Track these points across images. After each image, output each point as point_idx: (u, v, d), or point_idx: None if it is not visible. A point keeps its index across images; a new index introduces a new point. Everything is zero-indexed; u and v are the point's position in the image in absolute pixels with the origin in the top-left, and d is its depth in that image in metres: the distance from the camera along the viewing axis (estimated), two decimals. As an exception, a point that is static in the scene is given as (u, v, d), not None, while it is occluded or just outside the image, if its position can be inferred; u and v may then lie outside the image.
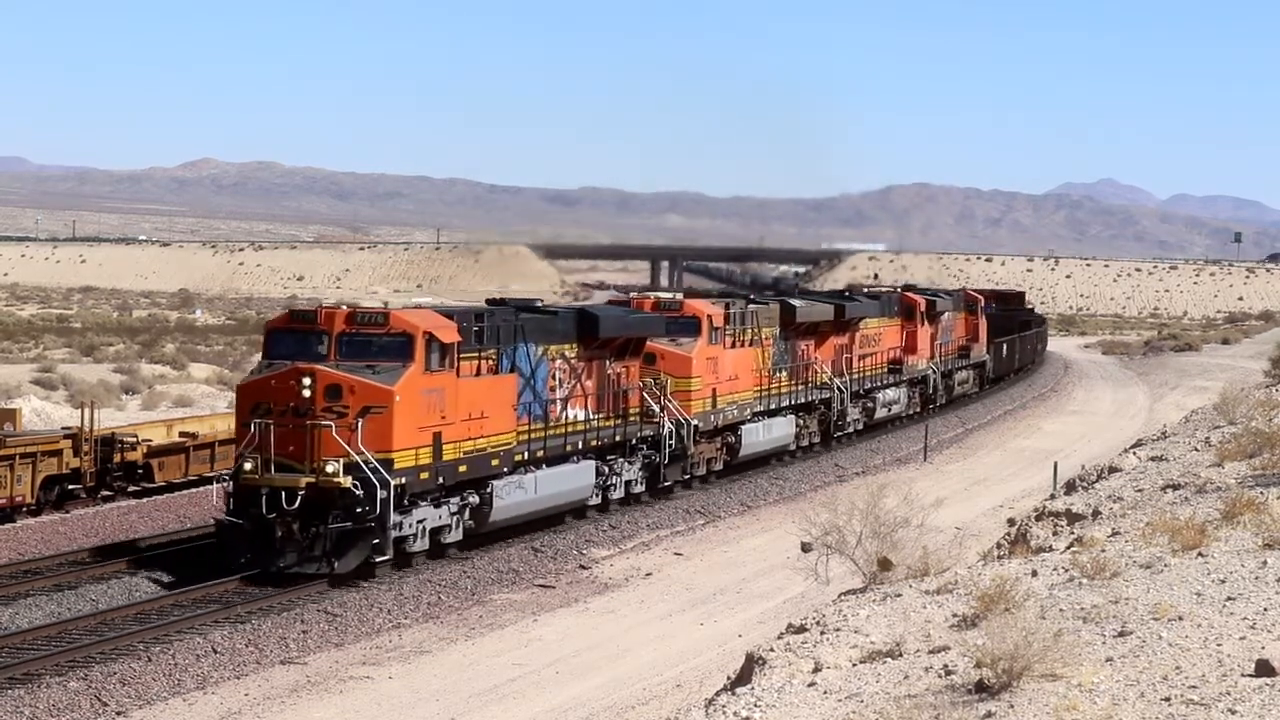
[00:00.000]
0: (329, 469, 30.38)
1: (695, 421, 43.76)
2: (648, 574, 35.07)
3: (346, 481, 30.40)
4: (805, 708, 14.14)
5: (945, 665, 14.61)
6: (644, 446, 41.90)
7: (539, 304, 39.05)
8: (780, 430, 50.83)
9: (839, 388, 55.26)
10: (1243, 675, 13.54)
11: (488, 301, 38.37)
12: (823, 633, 16.85)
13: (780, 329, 51.01)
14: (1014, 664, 13.54)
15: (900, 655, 15.27)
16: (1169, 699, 13.11)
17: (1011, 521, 30.63)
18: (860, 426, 58.49)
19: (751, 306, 49.31)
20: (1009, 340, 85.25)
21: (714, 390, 45.16)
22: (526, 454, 35.86)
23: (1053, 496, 31.42)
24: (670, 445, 42.50)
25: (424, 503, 32.38)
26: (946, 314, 70.97)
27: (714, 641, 28.58)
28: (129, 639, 26.88)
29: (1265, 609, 15.50)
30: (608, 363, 39.81)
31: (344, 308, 32.31)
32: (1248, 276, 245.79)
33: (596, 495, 39.72)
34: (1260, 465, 24.75)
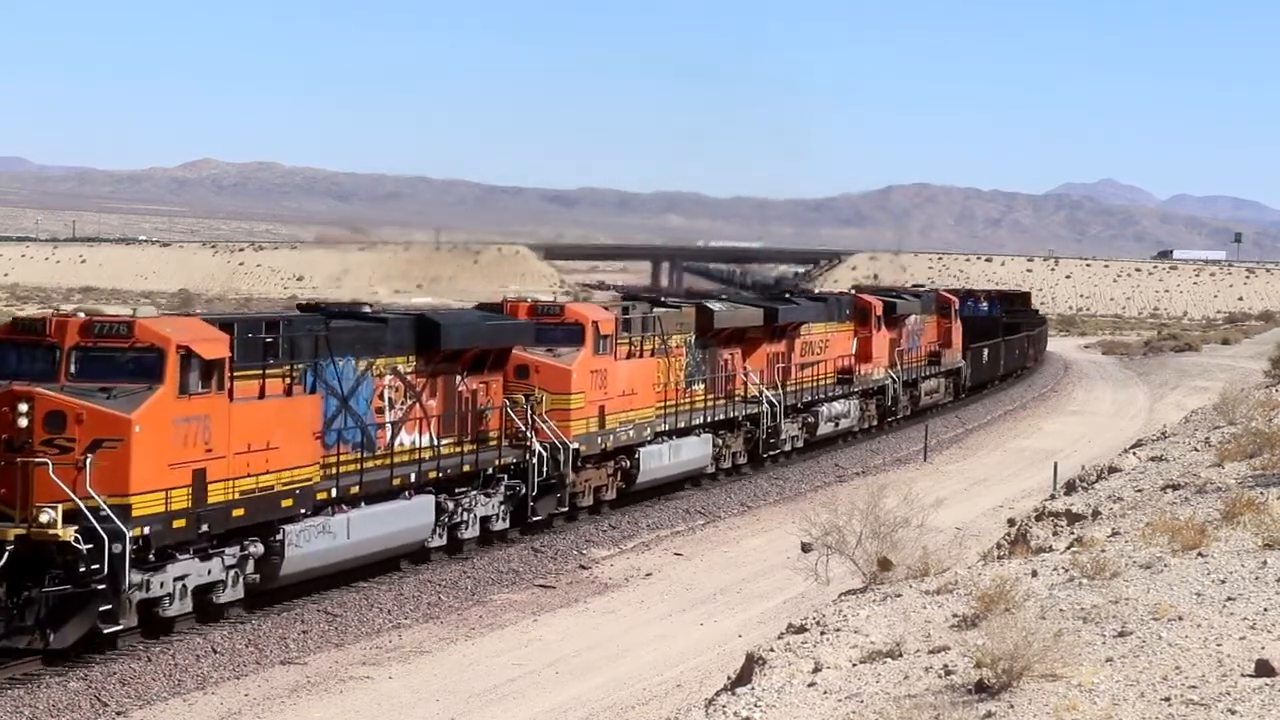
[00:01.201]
0: (43, 518, 24.51)
1: (576, 444, 37.77)
2: (648, 574, 35.07)
3: (67, 533, 24.48)
4: (805, 708, 14.14)
5: (945, 665, 14.61)
6: (507, 476, 36.01)
7: (368, 309, 33.46)
8: (692, 452, 45.00)
9: (770, 401, 49.65)
10: (1243, 675, 13.55)
11: (300, 306, 33.36)
12: (823, 633, 16.86)
13: (696, 336, 45.61)
14: (1014, 664, 13.54)
15: (900, 655, 15.27)
16: (1169, 699, 13.11)
17: (1011, 522, 30.64)
18: (799, 444, 53.14)
19: (657, 311, 43.82)
20: (991, 345, 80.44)
21: (601, 408, 39.21)
22: (335, 491, 29.83)
23: (1053, 497, 31.43)
24: (544, 473, 36.76)
25: (186, 555, 26.49)
26: (912, 317, 65.97)
27: (714, 641, 28.58)
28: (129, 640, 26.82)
29: (1265, 609, 15.51)
30: (459, 378, 34.34)
31: (80, 316, 26.67)
32: (1248, 276, 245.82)
33: (439, 535, 33.76)
34: (1260, 465, 24.76)
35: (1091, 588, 16.79)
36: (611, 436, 39.95)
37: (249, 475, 27.35)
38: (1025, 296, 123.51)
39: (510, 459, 35.96)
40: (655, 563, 36.40)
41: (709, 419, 46.17)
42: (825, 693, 14.50)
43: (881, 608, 17.74)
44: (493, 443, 35.51)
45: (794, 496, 46.01)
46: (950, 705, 13.37)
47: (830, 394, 55.44)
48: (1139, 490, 25.56)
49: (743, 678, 16.23)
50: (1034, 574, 18.11)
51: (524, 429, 36.35)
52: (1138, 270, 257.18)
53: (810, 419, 53.70)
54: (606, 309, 41.13)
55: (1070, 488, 30.64)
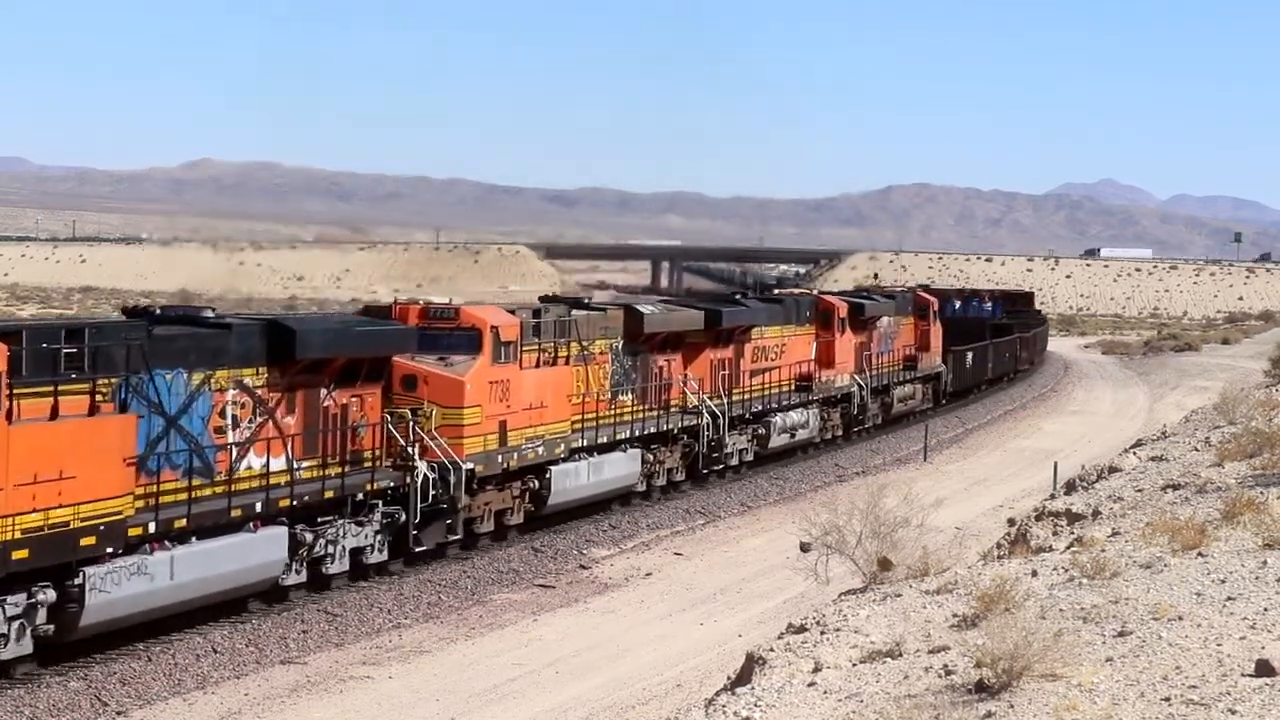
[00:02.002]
0: None
1: (470, 464, 33.71)
2: (648, 574, 35.08)
3: None
4: (805, 708, 14.14)
5: (945, 665, 14.61)
6: (382, 502, 32.10)
7: (209, 313, 29.32)
8: (617, 469, 40.86)
9: (714, 412, 45.62)
10: (1243, 675, 13.55)
11: (124, 311, 29.46)
12: (823, 633, 16.86)
13: (625, 341, 41.63)
14: (1014, 664, 13.54)
15: (900, 655, 15.28)
16: (1169, 699, 13.11)
17: (1011, 521, 30.64)
18: (749, 457, 49.21)
19: (576, 314, 39.51)
20: (976, 348, 76.43)
21: (503, 423, 35.12)
22: (154, 525, 25.85)
23: (1053, 496, 31.43)
24: (430, 497, 32.71)
25: None
26: (885, 320, 61.80)
27: (714, 641, 28.59)
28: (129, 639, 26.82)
29: (1265, 609, 15.51)
30: (324, 392, 30.46)
31: None
32: (1248, 276, 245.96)
33: (295, 571, 29.64)
34: (1260, 465, 24.76)
35: (1091, 588, 16.79)
36: (515, 454, 35.78)
37: (36, 510, 23.23)
38: (1029, 297, 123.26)
39: (386, 482, 31.87)
40: (655, 562, 36.41)
41: (639, 432, 42.00)
42: (825, 693, 14.50)
43: (881, 608, 17.74)
44: (369, 464, 31.54)
45: (794, 496, 46.02)
46: (950, 705, 13.37)
47: (786, 403, 51.81)
48: (1139, 490, 25.56)
49: (743, 678, 16.23)
50: (1034, 574, 18.12)
51: (411, 449, 32.35)
52: (1138, 270, 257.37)
53: (761, 430, 49.77)
54: (512, 312, 36.81)
55: (1070, 487, 30.64)
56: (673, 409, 44.33)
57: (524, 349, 36.23)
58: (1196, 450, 29.86)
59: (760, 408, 49.65)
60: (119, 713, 23.90)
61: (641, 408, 42.48)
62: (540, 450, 36.86)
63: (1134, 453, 32.90)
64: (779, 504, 44.89)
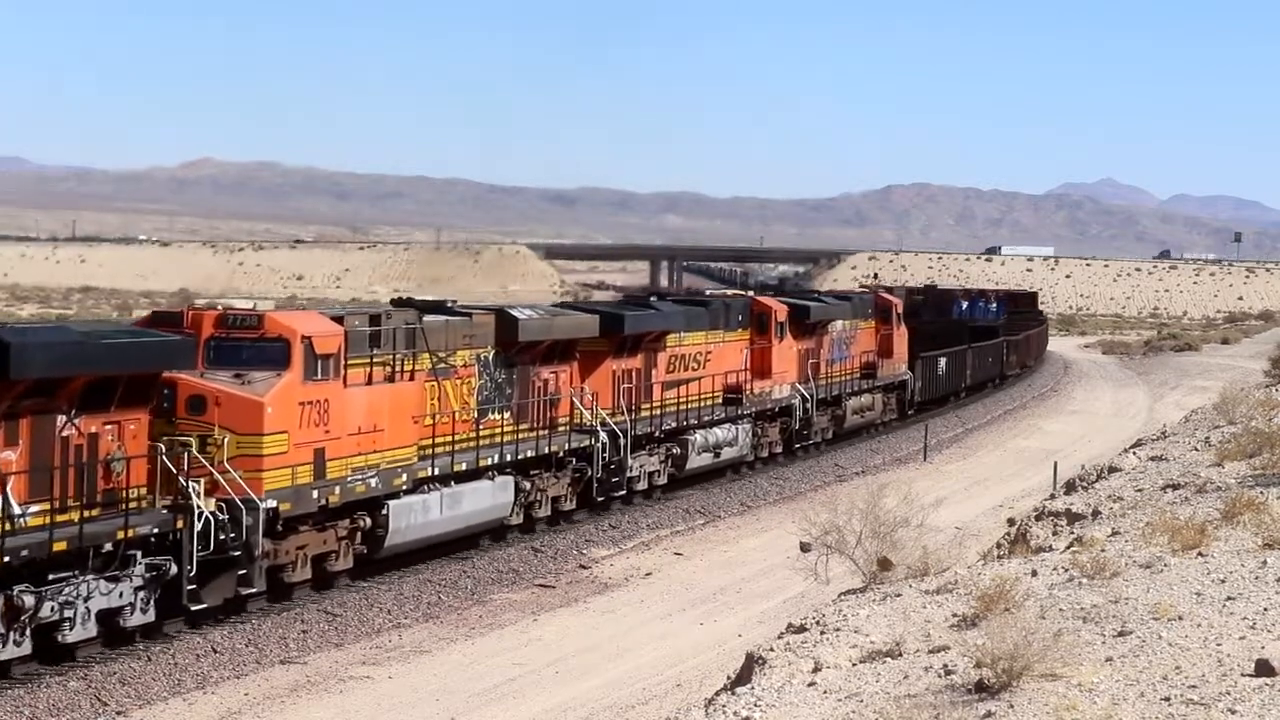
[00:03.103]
0: None
1: (273, 501, 28.17)
2: (647, 574, 35.09)
3: None
4: (805, 707, 14.14)
5: (945, 665, 14.61)
6: (146, 551, 26.10)
7: None
8: (481, 501, 35.02)
9: (613, 431, 40.01)
10: (1243, 675, 13.55)
11: None
12: (822, 632, 16.86)
13: (498, 351, 36.00)
14: (1014, 664, 13.54)
15: (900, 655, 15.28)
16: (1169, 699, 13.11)
17: (1011, 521, 30.63)
18: (661, 480, 43.85)
19: (428, 320, 33.86)
20: (951, 354, 70.53)
21: (320, 450, 29.52)
22: None
23: (1053, 496, 31.42)
24: (211, 543, 26.89)
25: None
26: (838, 324, 56.40)
27: (714, 641, 28.59)
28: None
29: (1265, 609, 15.51)
30: (61, 419, 24.81)
31: None
32: (1248, 276, 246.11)
33: (14, 643, 23.83)
34: (1260, 465, 24.77)
35: (1091, 587, 16.79)
36: (338, 488, 30.17)
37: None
38: (1032, 297, 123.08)
39: (147, 528, 25.88)
40: (655, 562, 36.41)
41: (513, 456, 36.25)
42: (825, 692, 14.50)
43: (881, 607, 17.75)
44: (130, 506, 25.84)
45: (794, 496, 46.02)
46: (950, 705, 13.37)
47: (710, 418, 46.16)
48: (1139, 490, 25.55)
49: (742, 677, 16.23)
50: (1034, 574, 18.12)
51: (192, 488, 26.76)
52: (1137, 270, 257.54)
53: (677, 450, 44.29)
54: (339, 319, 30.93)
55: (1070, 487, 30.63)
56: (560, 428, 38.63)
57: (351, 362, 30.69)
58: (1196, 450, 29.86)
59: (674, 424, 44.20)
60: (119, 712, 23.91)
61: (518, 428, 36.75)
62: (374, 482, 31.24)
63: (1134, 452, 32.89)
64: (779, 504, 44.89)
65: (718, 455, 46.75)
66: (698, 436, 45.16)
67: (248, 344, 29.20)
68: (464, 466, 34.41)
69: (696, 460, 45.25)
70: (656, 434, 43.13)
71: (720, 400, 46.89)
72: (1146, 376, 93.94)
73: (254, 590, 28.37)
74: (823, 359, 54.65)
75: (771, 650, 16.41)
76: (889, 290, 73.72)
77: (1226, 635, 14.73)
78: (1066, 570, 17.98)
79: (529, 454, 36.99)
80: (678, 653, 27.99)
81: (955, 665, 14.51)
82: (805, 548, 24.47)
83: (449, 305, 36.17)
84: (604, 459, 39.81)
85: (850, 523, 22.97)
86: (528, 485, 37.06)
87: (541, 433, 37.63)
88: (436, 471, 33.57)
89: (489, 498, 35.34)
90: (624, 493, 41.27)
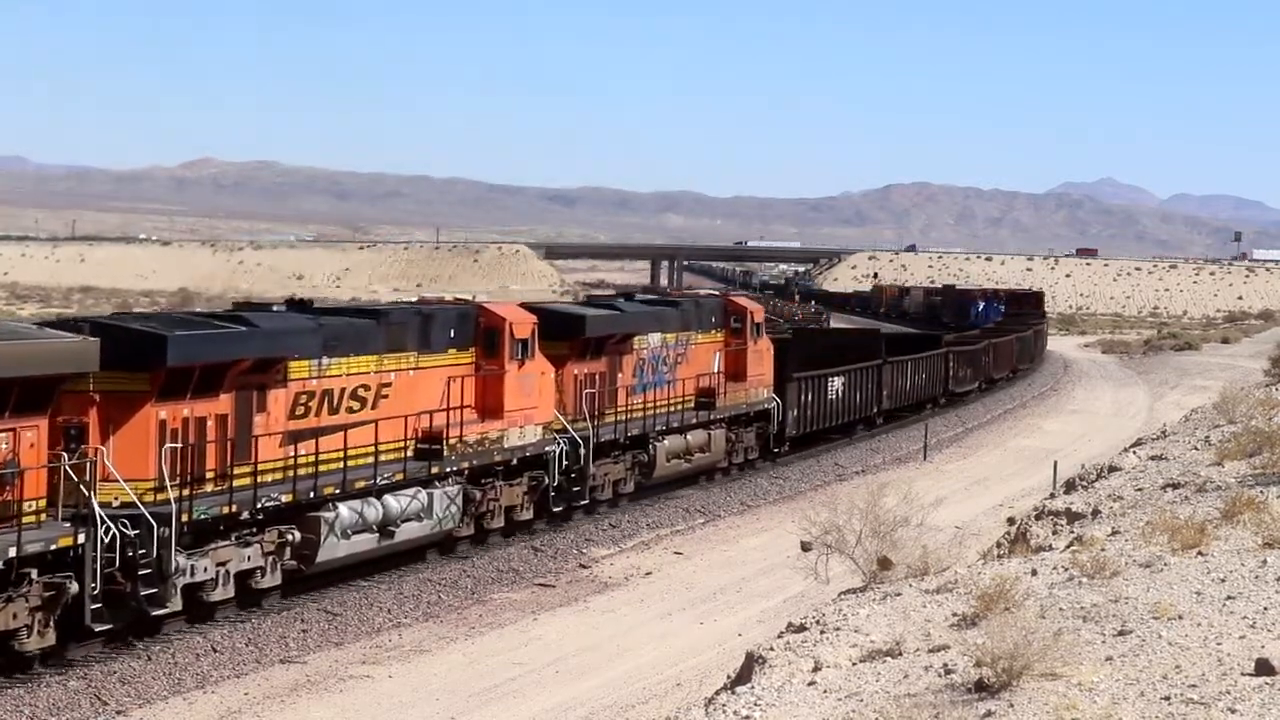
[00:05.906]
0: None
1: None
2: (648, 573, 35.08)
3: None
4: (805, 707, 14.14)
5: (945, 664, 14.61)
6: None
7: None
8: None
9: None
10: (1242, 674, 13.54)
11: None
12: (823, 632, 16.86)
13: None
14: (1014, 663, 13.54)
15: (900, 654, 15.28)
16: (1169, 698, 13.11)
17: (1011, 521, 30.62)
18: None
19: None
20: (850, 372, 56.71)
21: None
22: None
23: (1052, 496, 31.42)
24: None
25: None
26: (652, 338, 43.51)
27: (714, 640, 28.59)
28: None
29: (1265, 608, 15.51)
30: None
31: None
32: (1248, 276, 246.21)
33: None
34: (1260, 464, 24.77)
35: (1091, 587, 16.80)
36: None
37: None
38: (1037, 297, 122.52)
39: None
40: (655, 562, 36.41)
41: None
42: (825, 692, 14.50)
43: (881, 607, 17.75)
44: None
45: (794, 496, 46.00)
46: (950, 704, 13.37)
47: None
48: (1139, 489, 25.55)
49: (742, 677, 16.23)
50: (1034, 573, 18.12)
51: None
52: (1137, 269, 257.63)
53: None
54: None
55: (1070, 487, 30.63)
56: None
57: None
58: (1196, 449, 29.86)
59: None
60: (119, 712, 23.91)
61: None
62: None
63: (1134, 452, 32.89)
64: (779, 503, 44.87)
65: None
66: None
67: None
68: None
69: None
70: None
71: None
72: (1146, 376, 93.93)
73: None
74: (624, 385, 41.84)
75: (771, 649, 16.41)
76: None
77: (1226, 635, 14.73)
78: (1066, 570, 17.98)
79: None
80: (678, 652, 27.99)
81: (955, 664, 14.51)
82: (805, 547, 24.48)
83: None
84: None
85: (850, 522, 22.97)
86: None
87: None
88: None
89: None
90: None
